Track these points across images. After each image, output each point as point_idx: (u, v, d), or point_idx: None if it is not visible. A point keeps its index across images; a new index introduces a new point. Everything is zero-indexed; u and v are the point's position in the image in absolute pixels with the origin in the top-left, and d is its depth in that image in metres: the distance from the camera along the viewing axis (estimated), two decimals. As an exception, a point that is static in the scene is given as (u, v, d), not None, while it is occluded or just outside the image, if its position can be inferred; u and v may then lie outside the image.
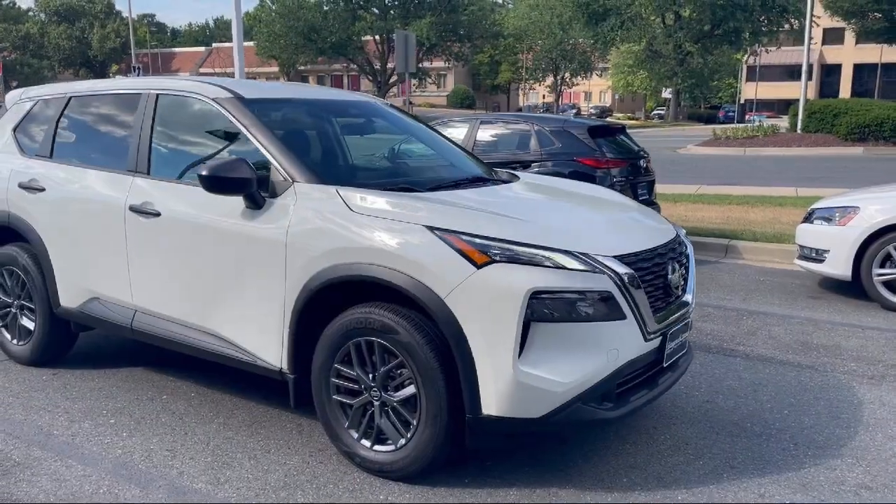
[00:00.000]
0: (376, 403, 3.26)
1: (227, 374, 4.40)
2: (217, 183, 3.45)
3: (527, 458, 3.46)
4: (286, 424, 3.86)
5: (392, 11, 45.71)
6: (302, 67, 56.53)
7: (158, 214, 3.86)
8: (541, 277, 2.93)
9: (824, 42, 63.33)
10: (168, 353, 4.54)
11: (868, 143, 21.38)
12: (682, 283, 3.54)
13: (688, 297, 3.57)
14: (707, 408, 4.09)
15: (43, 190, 4.44)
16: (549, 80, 61.40)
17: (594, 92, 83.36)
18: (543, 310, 2.92)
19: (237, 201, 3.56)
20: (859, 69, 65.31)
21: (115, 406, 4.11)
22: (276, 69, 57.93)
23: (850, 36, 61.11)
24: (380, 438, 3.29)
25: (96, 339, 5.20)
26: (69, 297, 4.41)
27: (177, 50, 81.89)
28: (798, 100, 23.88)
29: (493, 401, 2.96)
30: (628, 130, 9.04)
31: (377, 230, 3.18)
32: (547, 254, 2.98)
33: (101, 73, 70.80)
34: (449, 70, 59.88)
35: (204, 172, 3.45)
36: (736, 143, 24.19)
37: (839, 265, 6.40)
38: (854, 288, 6.47)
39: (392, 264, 3.10)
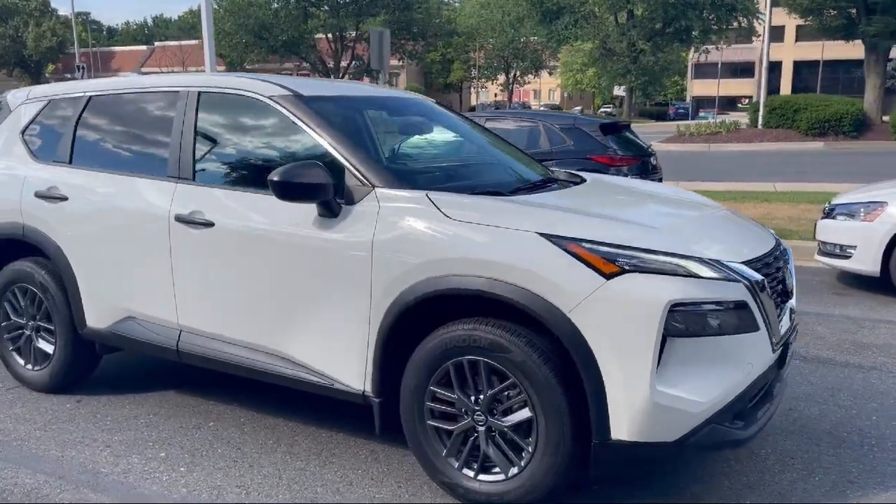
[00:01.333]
0: (481, 429, 2.98)
1: (270, 394, 4.06)
2: (291, 189, 3.12)
3: (638, 482, 3.22)
4: (358, 451, 3.54)
5: (344, 9, 45.06)
6: (250, 67, 55.44)
7: (211, 225, 3.50)
8: (678, 288, 2.68)
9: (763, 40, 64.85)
10: (197, 373, 4.18)
11: (828, 137, 21.83)
12: (792, 287, 3.35)
13: (794, 303, 3.38)
14: (794, 416, 3.91)
15: (65, 199, 4.02)
16: (502, 78, 61.47)
17: (543, 90, 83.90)
18: (678, 323, 2.68)
19: (307, 209, 3.24)
20: (799, 66, 67.08)
21: (160, 436, 3.72)
22: (222, 68, 56.67)
23: (790, 34, 62.84)
24: (485, 467, 3.00)
25: (113, 361, 4.78)
26: (97, 316, 4.01)
27: (116, 49, 79.36)
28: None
29: (624, 424, 2.70)
30: None
31: (481, 239, 2.90)
32: (680, 262, 2.74)
33: (37, 73, 68.18)
34: (401, 69, 59.49)
35: (276, 178, 3.11)
36: (700, 140, 24.46)
37: (867, 261, 6.34)
38: (881, 284, 6.42)
39: (502, 276, 2.82)
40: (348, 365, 3.23)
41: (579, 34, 41.69)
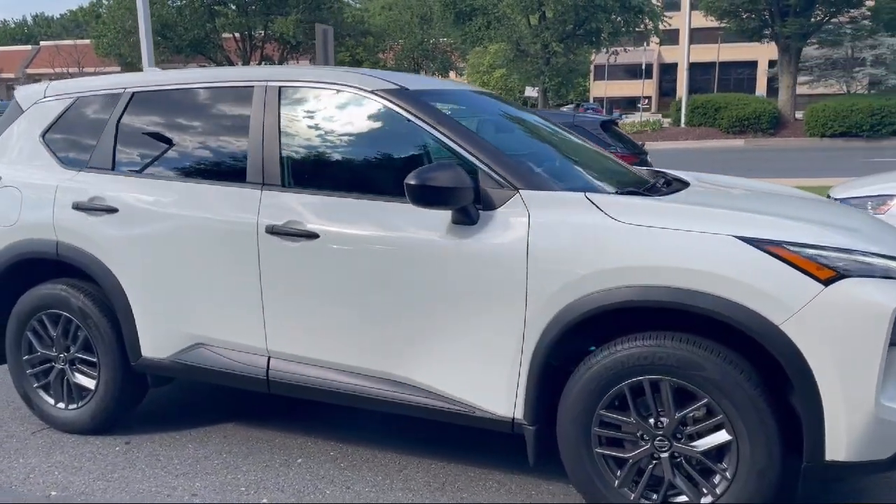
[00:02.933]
0: (663, 455, 2.71)
1: (346, 418, 3.67)
2: (430, 194, 2.76)
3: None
4: (486, 481, 3.21)
5: (253, 7, 43.69)
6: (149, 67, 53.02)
7: (314, 236, 3.08)
8: None
9: (662, 43, 67.48)
10: (245, 401, 3.75)
11: (748, 134, 22.72)
12: None
13: None
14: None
15: (114, 211, 3.49)
16: (412, 79, 61.12)
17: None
18: None
19: (434, 217, 2.90)
20: (693, 67, 70.03)
21: (249, 479, 3.27)
22: (117, 69, 53.95)
23: (684, 37, 65.50)
24: (667, 497, 2.74)
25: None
26: (156, 345, 3.50)
27: (-4, 48, 74.33)
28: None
29: (842, 443, 2.50)
30: None
31: (665, 244, 2.63)
32: (892, 264, 2.55)
33: None
34: (308, 70, 58.16)
35: (413, 181, 2.75)
36: (626, 139, 24.95)
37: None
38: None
39: (694, 285, 2.56)
40: (493, 389, 2.90)
41: (493, 36, 41.98)
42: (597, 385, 2.73)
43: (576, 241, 2.72)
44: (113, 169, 3.61)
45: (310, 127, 3.34)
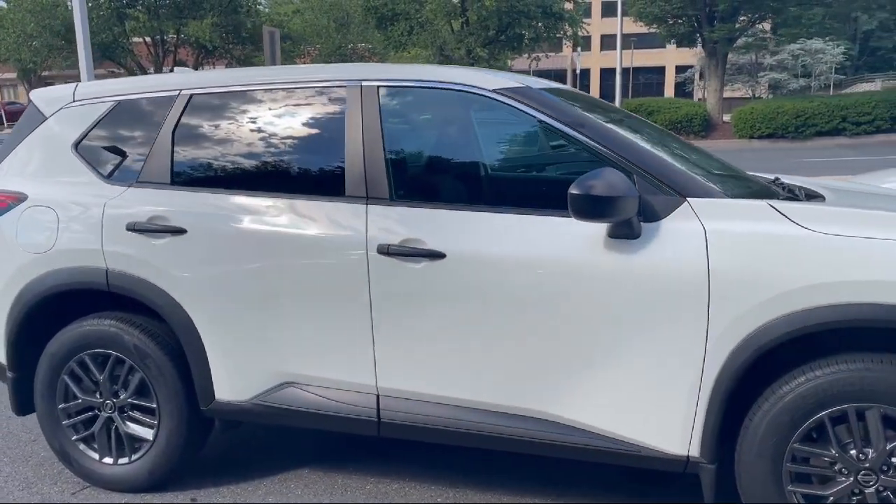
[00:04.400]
0: (869, 490, 2.44)
1: (447, 458, 3.29)
2: (595, 205, 2.43)
3: None
4: (632, 526, 2.89)
5: (164, 10, 42.00)
6: (46, 73, 50.38)
7: (440, 256, 2.69)
8: None
9: (575, 49, 69.02)
10: (301, 442, 3.34)
11: (681, 137, 23.17)
12: None
13: None
14: None
15: (181, 232, 2.99)
16: (330, 84, 60.19)
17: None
18: None
19: (589, 231, 2.56)
20: (604, 73, 71.87)
21: (363, 538, 2.84)
22: (13, 75, 50.98)
23: (595, 44, 67.17)
24: (868, 535, 2.48)
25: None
26: (235, 386, 3.02)
27: None
28: None
29: None
30: None
31: (872, 256, 2.37)
32: None
33: None
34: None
35: (577, 191, 2.42)
36: (562, 143, 25.06)
37: None
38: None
39: None
40: (663, 425, 2.58)
41: (416, 41, 41.76)
42: (791, 416, 2.45)
43: (766, 255, 2.43)
44: (172, 183, 3.11)
45: (419, 132, 2.95)
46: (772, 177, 3.39)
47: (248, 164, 3.09)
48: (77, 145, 3.27)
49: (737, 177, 3.23)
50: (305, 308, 2.88)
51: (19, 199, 3.23)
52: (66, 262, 3.13)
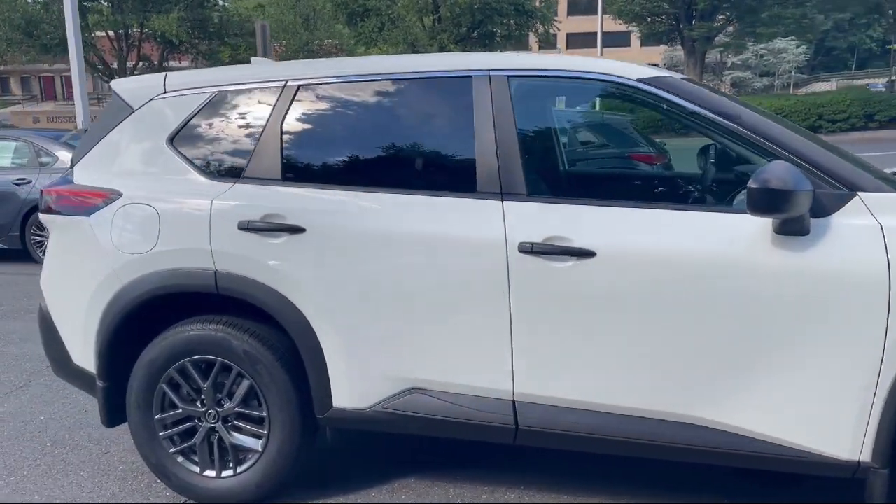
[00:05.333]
0: None
1: (551, 463, 3.18)
2: (772, 199, 2.32)
3: None
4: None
5: (127, 4, 41.02)
6: (2, 68, 48.97)
7: (589, 255, 2.57)
8: None
9: (540, 47, 69.56)
10: (416, 446, 3.21)
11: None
12: None
13: None
14: None
15: (300, 231, 2.82)
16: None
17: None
18: None
19: (752, 227, 2.47)
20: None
21: (502, 550, 2.72)
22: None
23: (562, 42, 67.72)
24: None
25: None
26: (355, 392, 2.87)
27: None
28: None
29: None
30: None
31: None
32: None
33: None
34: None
35: (755, 185, 2.32)
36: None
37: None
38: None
39: None
40: (834, 429, 2.49)
41: (387, 37, 41.50)
42: None
43: None
44: (283, 179, 2.94)
45: (553, 124, 2.82)
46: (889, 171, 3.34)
47: (366, 159, 2.94)
48: (172, 139, 3.08)
49: (880, 171, 3.19)
50: (436, 310, 2.74)
51: (112, 196, 3.03)
52: (169, 264, 2.94)
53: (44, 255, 8.28)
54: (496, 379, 2.74)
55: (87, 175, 3.15)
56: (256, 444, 3.00)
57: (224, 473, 3.04)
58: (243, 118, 3.04)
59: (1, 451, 3.63)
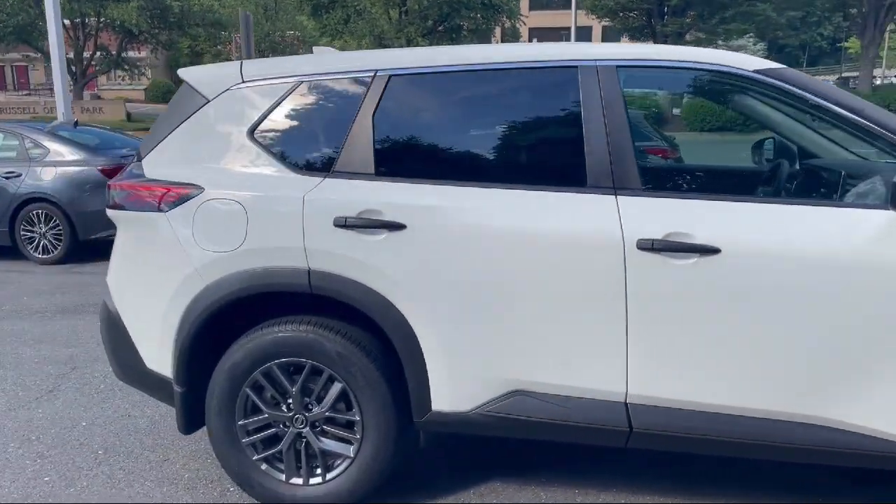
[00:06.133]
0: None
1: (642, 464, 3.13)
2: None
3: None
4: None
5: (84, -8, 39.91)
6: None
7: (712, 251, 2.51)
8: None
9: (503, 39, 69.68)
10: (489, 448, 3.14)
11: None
12: None
13: None
14: None
15: (400, 228, 2.70)
16: (258, 73, 58.75)
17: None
18: None
19: (886, 223, 2.43)
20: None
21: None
22: None
23: (524, 37, 68.02)
24: None
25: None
26: (456, 395, 2.76)
27: None
28: None
29: None
30: None
31: None
32: None
33: None
34: (142, 61, 54.34)
35: None
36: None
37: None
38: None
39: None
40: None
41: (353, 29, 41.11)
42: None
43: None
44: (376, 174, 2.81)
45: (664, 116, 2.75)
46: None
47: (465, 153, 2.84)
48: (253, 130, 2.92)
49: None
50: (545, 310, 2.65)
51: (192, 191, 2.87)
52: (257, 262, 2.80)
53: (35, 251, 8.00)
54: (609, 380, 2.66)
55: (159, 169, 2.98)
56: (348, 450, 2.88)
57: (312, 480, 2.92)
58: (330, 109, 2.92)
59: (51, 460, 3.44)
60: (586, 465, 3.28)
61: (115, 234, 3.16)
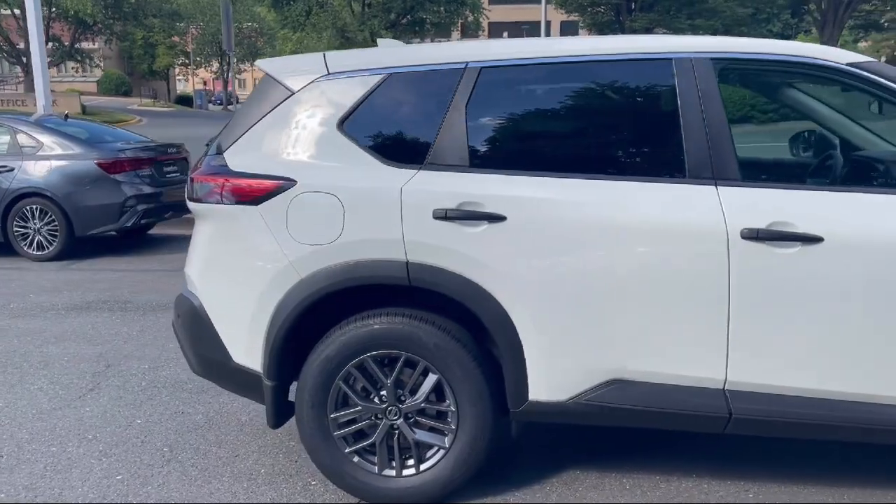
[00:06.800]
0: None
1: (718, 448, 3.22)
2: None
3: None
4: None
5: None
6: None
7: (815, 240, 2.58)
8: None
9: (463, 34, 69.79)
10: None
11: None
12: None
13: None
14: None
15: (500, 219, 2.72)
16: (216, 65, 57.78)
17: (248, 80, 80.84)
18: None
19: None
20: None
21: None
22: None
23: (485, 31, 68.29)
24: None
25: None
26: (553, 385, 2.80)
27: None
28: None
29: None
30: None
31: None
32: None
33: None
34: (95, 52, 53.05)
35: None
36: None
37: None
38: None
39: None
40: None
41: (315, 21, 40.72)
42: None
43: None
44: (471, 166, 2.82)
45: (761, 108, 2.82)
46: None
47: (560, 145, 2.87)
48: (342, 123, 2.91)
49: None
50: (646, 299, 2.70)
51: (285, 184, 2.84)
52: (354, 255, 2.79)
53: (28, 248, 7.78)
54: (709, 367, 2.72)
55: (244, 162, 2.94)
56: (442, 440, 2.89)
57: (405, 472, 2.92)
58: (421, 101, 2.92)
59: (117, 458, 3.38)
60: (662, 451, 3.34)
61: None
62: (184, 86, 72.08)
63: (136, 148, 8.27)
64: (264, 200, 2.85)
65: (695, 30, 25.89)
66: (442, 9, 40.99)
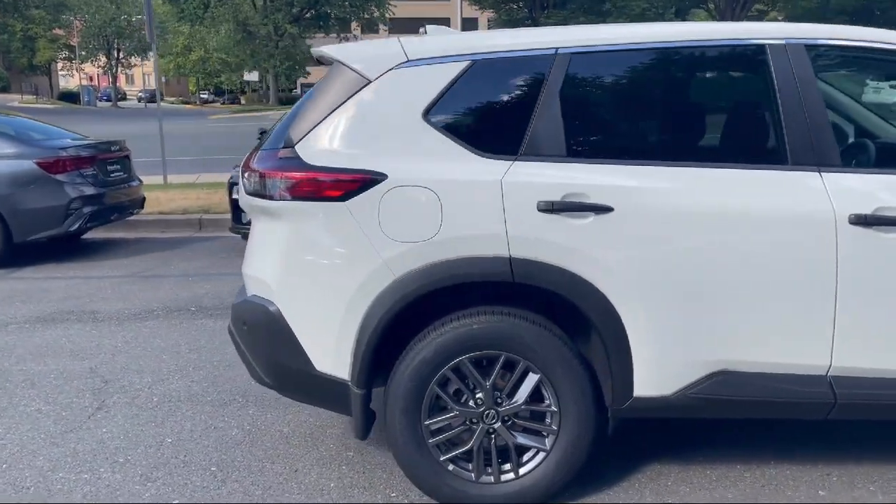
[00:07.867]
0: None
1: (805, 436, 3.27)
2: None
3: None
4: None
5: None
6: None
7: (930, 223, 2.63)
8: None
9: (363, 32, 69.22)
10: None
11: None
12: None
13: None
14: None
15: (607, 210, 2.63)
16: (104, 60, 54.84)
17: (136, 75, 77.38)
18: None
19: None
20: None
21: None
22: None
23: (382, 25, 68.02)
24: None
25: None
26: (658, 379, 2.74)
27: None
28: None
29: None
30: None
31: None
32: None
33: None
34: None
35: None
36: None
37: None
38: None
39: None
40: None
41: (214, 14, 39.41)
42: None
43: None
44: (568, 155, 2.72)
45: (859, 96, 2.85)
46: None
47: (658, 132, 2.82)
48: (427, 112, 2.74)
49: None
50: (753, 288, 2.68)
51: (373, 179, 2.65)
52: (454, 252, 2.63)
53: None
54: (814, 354, 2.73)
55: (321, 155, 2.73)
56: (543, 443, 2.78)
57: (503, 477, 2.79)
58: (511, 89, 2.80)
59: (163, 482, 3.08)
60: (739, 439, 3.34)
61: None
62: (67, 82, 68.20)
63: (78, 146, 7.67)
64: (353, 196, 2.66)
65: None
66: (347, 3, 40.46)
